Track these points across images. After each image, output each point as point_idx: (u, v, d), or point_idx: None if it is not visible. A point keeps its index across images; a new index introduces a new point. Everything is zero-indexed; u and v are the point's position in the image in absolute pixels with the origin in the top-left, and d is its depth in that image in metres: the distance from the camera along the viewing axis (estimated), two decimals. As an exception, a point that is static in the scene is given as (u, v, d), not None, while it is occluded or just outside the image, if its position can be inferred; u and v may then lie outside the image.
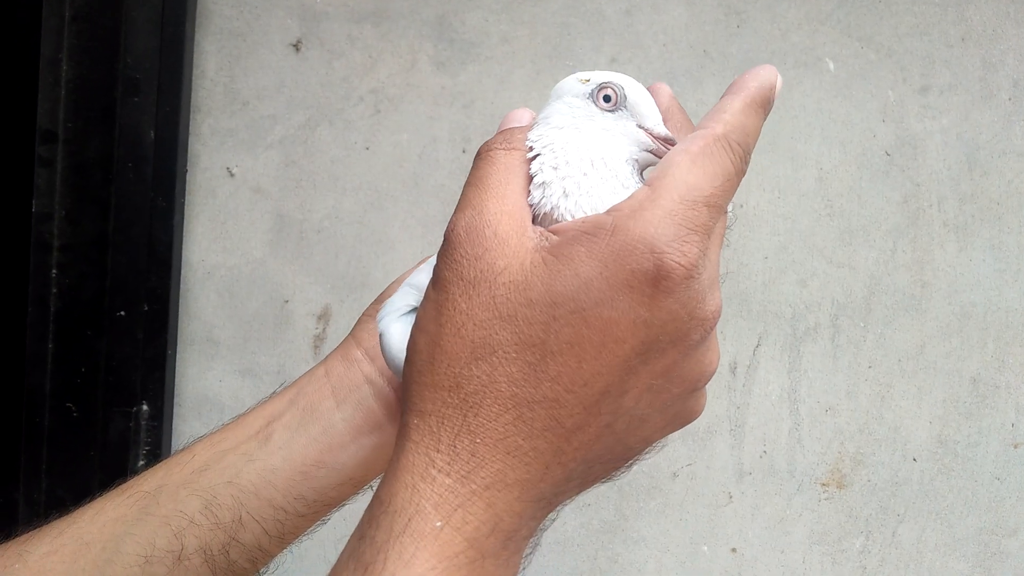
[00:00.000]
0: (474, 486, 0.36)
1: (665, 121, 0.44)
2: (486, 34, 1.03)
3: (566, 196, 0.41)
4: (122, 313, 0.96)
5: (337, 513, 0.54)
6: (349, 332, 0.55)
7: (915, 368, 1.06)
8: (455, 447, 0.37)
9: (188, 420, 1.03)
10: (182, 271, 1.01)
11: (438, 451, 0.37)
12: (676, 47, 1.04)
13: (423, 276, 0.48)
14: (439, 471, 0.37)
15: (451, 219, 0.40)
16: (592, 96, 0.44)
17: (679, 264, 0.36)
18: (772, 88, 0.41)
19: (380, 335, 0.48)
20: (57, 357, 0.95)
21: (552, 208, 0.41)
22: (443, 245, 0.40)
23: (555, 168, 0.42)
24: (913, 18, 1.06)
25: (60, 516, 0.51)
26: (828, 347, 1.06)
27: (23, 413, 0.94)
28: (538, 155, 0.42)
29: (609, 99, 0.44)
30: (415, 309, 0.48)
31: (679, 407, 0.40)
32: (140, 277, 0.97)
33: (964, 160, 1.06)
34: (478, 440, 0.37)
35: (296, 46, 1.03)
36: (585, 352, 0.37)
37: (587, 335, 0.37)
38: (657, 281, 0.36)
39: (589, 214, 0.40)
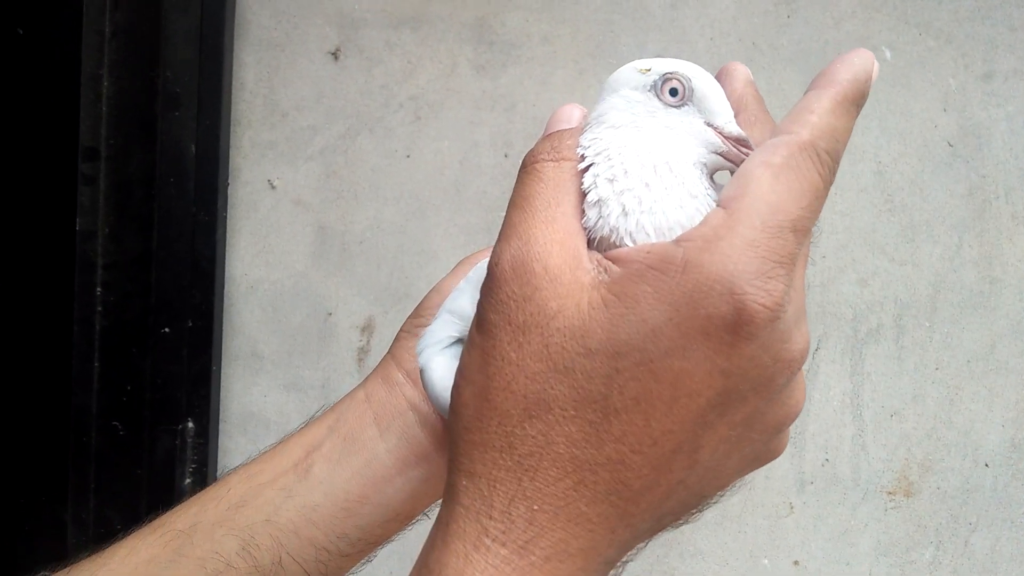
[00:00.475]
0: (533, 558, 0.33)
1: (737, 113, 0.39)
2: (527, 35, 1.01)
3: (626, 215, 0.35)
4: (166, 330, 0.96)
5: (383, 550, 0.51)
6: (388, 351, 0.51)
7: (985, 369, 1.02)
8: (510, 514, 0.33)
9: (234, 436, 1.03)
10: (225, 286, 1.01)
11: (491, 518, 0.33)
12: (724, 40, 1.01)
13: (464, 300, 0.44)
14: (493, 540, 0.33)
15: (494, 249, 0.35)
16: (656, 88, 0.39)
17: (763, 306, 0.32)
18: (868, 80, 0.35)
19: (421, 370, 0.44)
20: (103, 376, 0.96)
21: (611, 231, 0.35)
22: (487, 281, 0.36)
23: (611, 180, 0.36)
24: (973, 1, 1.02)
25: (90, 555, 0.49)
26: (892, 349, 1.02)
27: (70, 433, 0.94)
28: (591, 165, 0.37)
29: (676, 92, 0.38)
30: (458, 340, 0.44)
31: (760, 450, 0.36)
32: (184, 293, 0.96)
33: (1032, 149, 1.02)
34: (535, 507, 0.33)
35: (335, 54, 1.02)
36: (654, 408, 0.32)
37: (656, 390, 0.32)
38: (738, 328, 0.32)
39: (653, 236, 0.35)
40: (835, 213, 1.02)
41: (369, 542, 0.49)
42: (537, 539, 0.33)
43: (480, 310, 0.36)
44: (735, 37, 1.01)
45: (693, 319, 0.32)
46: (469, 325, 0.41)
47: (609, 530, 0.34)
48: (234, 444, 1.02)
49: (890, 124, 1.02)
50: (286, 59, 1.02)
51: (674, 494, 0.35)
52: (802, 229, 0.33)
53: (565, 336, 0.33)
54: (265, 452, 0.51)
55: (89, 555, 0.49)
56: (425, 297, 0.51)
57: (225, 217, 1.00)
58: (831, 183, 0.35)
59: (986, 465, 1.03)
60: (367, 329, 1.03)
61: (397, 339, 0.51)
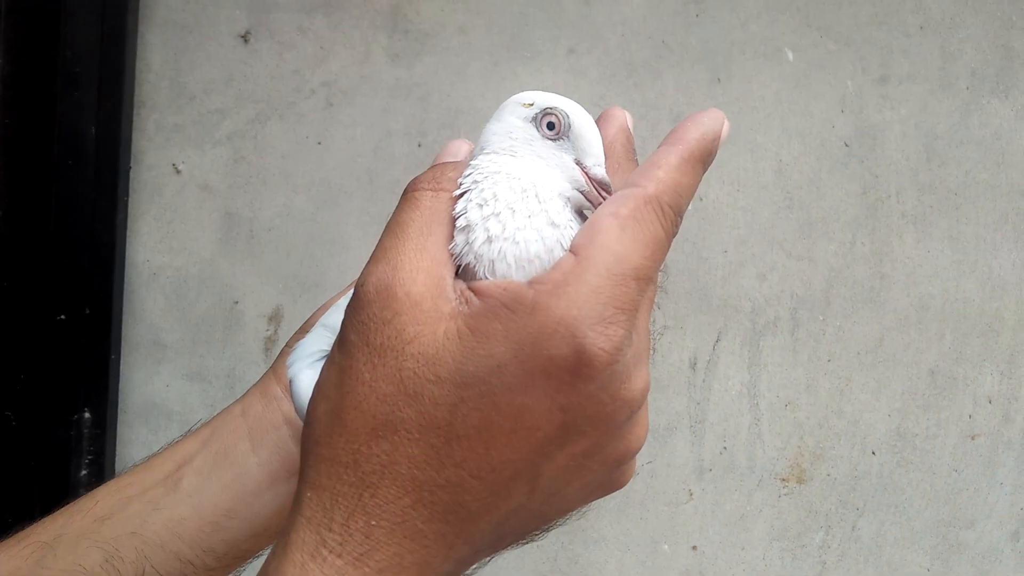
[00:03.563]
0: (367, 569, 0.34)
1: (606, 157, 0.41)
2: (441, 25, 1.01)
3: (489, 242, 0.37)
4: (63, 317, 0.93)
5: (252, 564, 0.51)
6: (270, 366, 0.52)
7: (874, 361, 1.07)
8: (348, 527, 0.34)
9: (134, 427, 1.00)
10: (126, 272, 0.98)
11: (330, 530, 0.34)
12: (635, 38, 1.03)
13: (339, 315, 0.45)
14: (330, 551, 0.34)
15: (363, 270, 0.37)
16: (536, 121, 0.41)
17: (602, 350, 0.33)
18: (715, 139, 0.38)
19: (290, 382, 0.45)
20: (-5, 364, 0.92)
21: (475, 258, 0.37)
22: (352, 300, 0.37)
23: (481, 206, 0.38)
24: (872, 7, 1.05)
25: None
26: (788, 341, 1.06)
27: (-40, 423, 0.91)
28: (467, 191, 0.39)
29: (553, 127, 0.41)
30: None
31: (602, 480, 0.38)
32: (81, 279, 0.93)
33: (922, 150, 1.06)
34: (373, 522, 0.34)
35: (245, 38, 1.00)
36: (494, 438, 0.34)
37: (497, 421, 0.34)
38: (578, 369, 0.34)
39: (513, 266, 0.37)
40: (737, 209, 1.05)
41: (236, 556, 0.49)
42: (373, 552, 0.34)
43: (342, 329, 0.37)
44: (645, 35, 1.03)
45: (536, 359, 0.34)
46: None
47: (446, 546, 0.35)
48: (135, 435, 1.00)
49: (791, 124, 1.05)
50: (194, 41, 0.99)
51: (514, 516, 0.36)
52: (644, 277, 0.35)
53: (418, 362, 0.34)
54: (137, 465, 0.51)
55: None
56: (311, 316, 0.51)
57: (127, 201, 0.97)
58: (674, 234, 0.37)
59: (873, 453, 1.08)
60: (275, 318, 1.01)
61: (280, 355, 0.52)
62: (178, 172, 1.00)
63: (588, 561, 1.06)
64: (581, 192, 0.40)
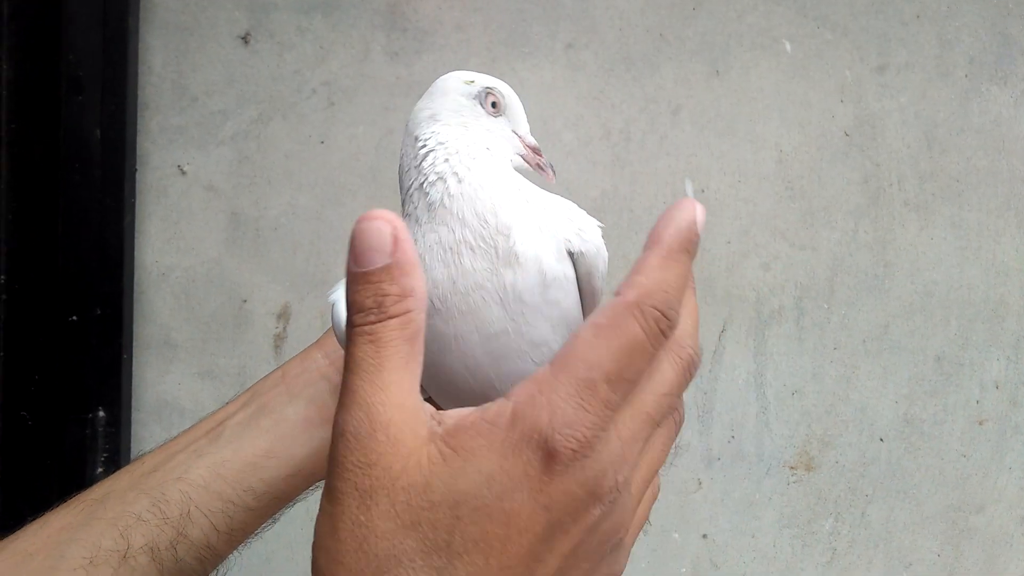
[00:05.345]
0: None
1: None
2: (439, 22, 1.02)
3: (460, 181, 0.44)
4: (74, 318, 0.94)
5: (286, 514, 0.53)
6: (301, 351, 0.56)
7: (880, 348, 1.07)
8: None
9: (148, 425, 1.01)
10: (135, 273, 0.99)
11: None
12: (632, 31, 1.03)
13: None
14: None
15: (336, 416, 0.37)
16: (480, 98, 0.48)
17: (566, 447, 0.35)
18: (691, 227, 0.39)
19: (332, 309, 0.47)
20: (8, 365, 0.93)
21: (442, 197, 0.44)
22: (333, 449, 0.37)
23: (447, 160, 0.45)
24: (868, -4, 1.06)
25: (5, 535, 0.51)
26: (793, 330, 1.06)
27: (-26, 425, 0.92)
28: (431, 151, 0.46)
29: (496, 104, 0.49)
30: None
31: (595, 575, 0.39)
32: (91, 281, 0.94)
33: (923, 138, 1.07)
34: None
35: (245, 39, 1.00)
36: (491, 548, 0.35)
37: (492, 530, 0.35)
38: (549, 467, 0.35)
39: (479, 194, 0.43)
40: (739, 200, 1.05)
41: (274, 496, 0.52)
42: None
43: (328, 478, 0.37)
44: (643, 28, 1.03)
45: (517, 465, 0.35)
46: None
47: None
48: (148, 432, 1.00)
49: (790, 114, 1.05)
50: (195, 43, 1.00)
51: None
52: (618, 379, 0.36)
53: (410, 493, 0.35)
54: (184, 431, 0.55)
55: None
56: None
57: (133, 203, 0.98)
58: (661, 332, 0.37)
59: (881, 440, 1.08)
60: (283, 316, 1.02)
61: (327, 333, 0.56)
62: (183, 173, 1.01)
63: (599, 551, 1.07)
64: (522, 156, 0.49)
